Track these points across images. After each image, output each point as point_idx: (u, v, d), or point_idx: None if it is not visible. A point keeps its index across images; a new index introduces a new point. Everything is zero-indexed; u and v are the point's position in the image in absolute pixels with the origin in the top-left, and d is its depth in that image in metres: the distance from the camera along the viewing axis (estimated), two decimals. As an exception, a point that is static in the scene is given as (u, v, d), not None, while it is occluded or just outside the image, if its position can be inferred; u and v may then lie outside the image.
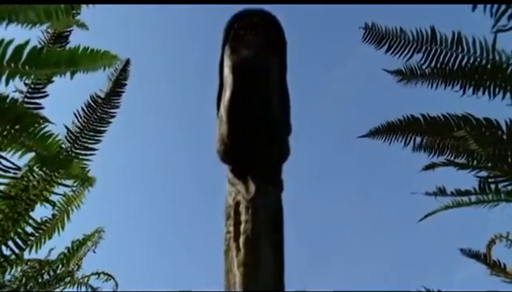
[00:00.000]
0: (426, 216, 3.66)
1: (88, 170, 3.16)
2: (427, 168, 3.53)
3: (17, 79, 2.12)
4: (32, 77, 2.97)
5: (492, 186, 3.27)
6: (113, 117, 3.38)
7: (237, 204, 1.18)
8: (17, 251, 3.34)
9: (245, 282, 1.08)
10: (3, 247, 3.28)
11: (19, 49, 1.97)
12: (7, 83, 2.10)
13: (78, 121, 3.32)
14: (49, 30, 3.23)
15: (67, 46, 3.20)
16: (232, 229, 1.15)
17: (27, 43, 1.99)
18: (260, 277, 1.08)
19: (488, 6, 2.50)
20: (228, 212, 1.20)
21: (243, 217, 1.14)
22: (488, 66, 2.88)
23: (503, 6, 2.49)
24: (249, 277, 1.08)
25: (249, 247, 1.10)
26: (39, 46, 2.19)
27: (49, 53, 2.10)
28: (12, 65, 1.99)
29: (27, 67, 2.00)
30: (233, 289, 1.10)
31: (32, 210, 3.33)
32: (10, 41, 1.98)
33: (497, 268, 3.94)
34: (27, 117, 2.48)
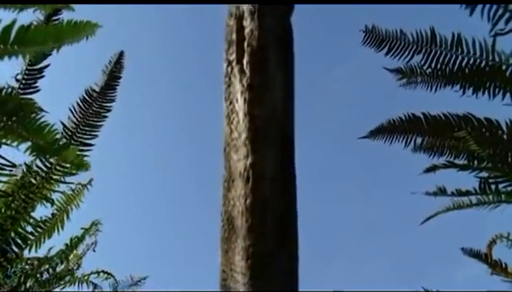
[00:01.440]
0: (427, 219, 3.66)
1: (83, 156, 3.14)
2: (428, 170, 3.51)
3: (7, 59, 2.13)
4: (23, 64, 2.97)
5: (493, 187, 3.27)
6: (108, 111, 3.36)
7: (240, 19, 0.94)
8: (17, 249, 3.35)
9: (249, 110, 0.87)
10: (3, 246, 3.29)
11: (7, 29, 1.98)
12: None
13: (74, 116, 3.30)
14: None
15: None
16: (233, 56, 0.93)
17: (13, 23, 2.00)
18: (268, 101, 0.88)
19: (486, 10, 2.50)
20: (229, 39, 0.96)
21: (247, 30, 0.92)
22: (488, 67, 2.88)
23: (500, 10, 2.49)
24: (255, 102, 0.88)
25: (254, 63, 0.90)
26: (26, 25, 2.21)
27: (36, 30, 2.10)
28: (1, 46, 2.00)
29: (15, 47, 2.01)
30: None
31: (32, 210, 3.32)
32: (-3, 23, 1.98)
33: (498, 267, 3.94)
34: (23, 108, 2.47)
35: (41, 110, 2.62)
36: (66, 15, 3.17)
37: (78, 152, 3.19)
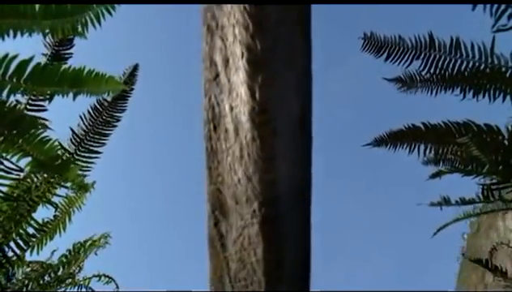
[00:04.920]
0: (438, 230, 3.71)
1: (85, 176, 3.17)
2: (433, 176, 3.52)
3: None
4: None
5: (496, 194, 3.26)
6: (118, 120, 3.39)
7: None
8: (18, 252, 3.37)
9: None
10: (5, 248, 3.31)
11: (23, 64, 1.96)
12: (8, 97, 2.09)
13: (84, 124, 3.34)
14: (51, 44, 3.23)
15: (71, 63, 3.20)
16: None
17: (31, 59, 1.98)
18: None
19: (488, 5, 2.49)
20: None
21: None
22: (487, 70, 2.86)
23: (503, 6, 2.48)
24: None
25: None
26: (43, 63, 2.18)
27: (52, 70, 2.08)
28: (14, 80, 1.98)
29: (29, 83, 1.99)
30: None
31: (34, 211, 3.35)
32: (15, 56, 1.97)
33: (498, 273, 3.92)
34: (25, 121, 2.48)
35: (44, 126, 2.63)
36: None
37: (86, 160, 3.24)
